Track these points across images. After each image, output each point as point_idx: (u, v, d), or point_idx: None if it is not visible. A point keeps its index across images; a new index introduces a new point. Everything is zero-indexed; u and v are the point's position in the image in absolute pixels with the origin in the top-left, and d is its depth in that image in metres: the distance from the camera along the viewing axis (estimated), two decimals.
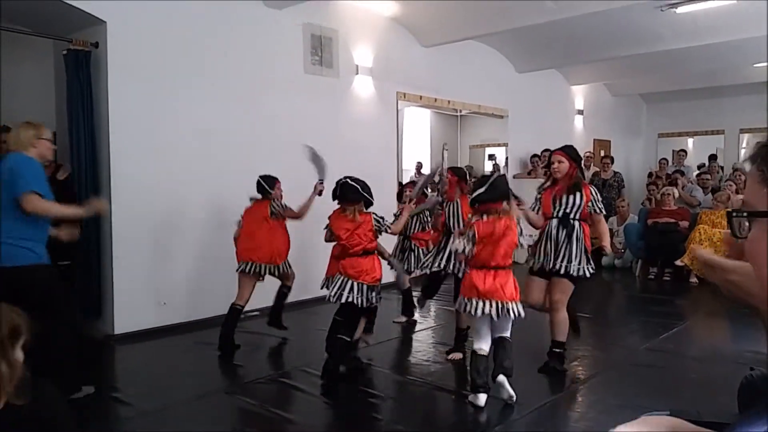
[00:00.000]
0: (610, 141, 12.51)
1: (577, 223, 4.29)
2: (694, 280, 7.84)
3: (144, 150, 5.45)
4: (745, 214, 0.80)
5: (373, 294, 4.18)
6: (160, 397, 3.98)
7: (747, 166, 0.81)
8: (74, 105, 5.24)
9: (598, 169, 10.68)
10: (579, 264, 4.25)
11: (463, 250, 3.75)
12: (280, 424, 3.61)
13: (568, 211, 4.29)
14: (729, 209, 7.71)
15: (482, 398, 3.72)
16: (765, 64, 8.93)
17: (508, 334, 3.85)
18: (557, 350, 4.42)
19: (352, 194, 4.14)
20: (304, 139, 6.65)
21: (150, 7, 5.44)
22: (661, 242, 8.13)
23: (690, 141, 13.18)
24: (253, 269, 4.94)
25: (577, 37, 8.22)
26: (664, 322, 5.77)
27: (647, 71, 10.55)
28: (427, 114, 10.55)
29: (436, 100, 8.49)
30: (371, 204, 4.28)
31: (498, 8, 6.99)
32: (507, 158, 10.11)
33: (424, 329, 5.79)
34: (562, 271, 4.24)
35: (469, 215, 4.04)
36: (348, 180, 4.19)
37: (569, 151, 4.47)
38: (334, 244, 4.48)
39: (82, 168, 5.29)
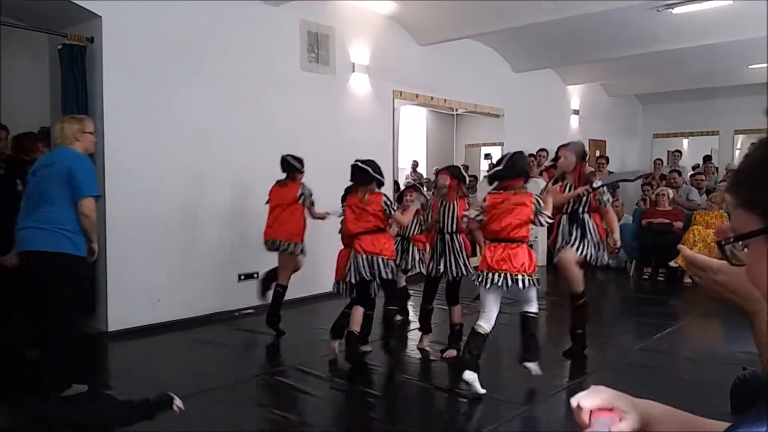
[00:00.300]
0: (605, 141, 12.53)
1: (587, 216, 4.51)
2: (688, 280, 7.85)
3: (138, 146, 5.43)
4: (732, 239, 0.80)
5: (394, 267, 4.41)
6: (153, 394, 3.95)
7: (727, 197, 0.82)
8: (68, 100, 5.21)
9: (593, 169, 10.68)
10: (596, 252, 4.47)
11: (475, 216, 3.89)
12: (277, 423, 3.60)
13: (576, 206, 4.49)
14: (723, 210, 7.76)
15: (469, 375, 3.72)
16: (760, 65, 8.95)
17: (533, 308, 3.96)
18: (579, 330, 4.74)
19: (363, 175, 4.35)
20: (300, 135, 6.67)
21: (145, 2, 5.41)
22: (655, 243, 8.15)
23: (685, 141, 13.22)
24: (277, 246, 5.17)
25: (574, 37, 8.23)
26: (658, 322, 5.79)
27: (643, 72, 10.57)
28: (423, 112, 10.56)
29: (432, 98, 8.48)
30: (383, 184, 4.51)
31: (495, 7, 6.98)
32: (522, 150, 10.08)
33: (419, 328, 5.78)
34: (590, 262, 4.53)
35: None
36: (358, 162, 4.41)
37: (575, 148, 4.76)
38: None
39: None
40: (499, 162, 3.96)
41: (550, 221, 4.03)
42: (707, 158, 11.60)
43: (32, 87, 5.91)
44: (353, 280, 4.39)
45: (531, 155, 9.64)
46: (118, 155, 5.31)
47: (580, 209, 4.51)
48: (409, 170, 10.81)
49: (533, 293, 3.92)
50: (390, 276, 4.38)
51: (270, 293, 5.38)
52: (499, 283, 3.73)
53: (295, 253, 5.24)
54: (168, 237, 5.63)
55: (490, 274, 3.75)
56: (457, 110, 9.76)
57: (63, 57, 5.21)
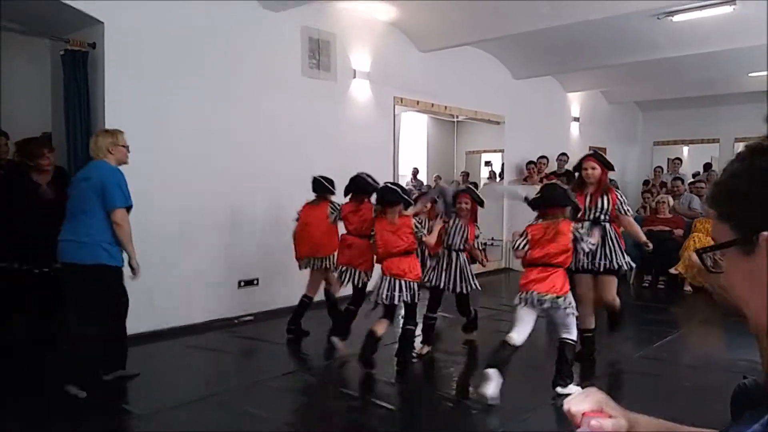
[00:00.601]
0: (605, 148, 12.52)
1: (608, 225, 4.66)
2: (688, 288, 7.85)
3: (140, 151, 5.40)
4: (708, 249, 0.86)
5: (416, 289, 4.53)
6: (152, 401, 3.96)
7: (707, 209, 0.86)
8: (71, 105, 5.22)
9: (614, 179, 10.68)
10: (618, 259, 4.64)
11: (518, 247, 4.08)
12: (277, 430, 3.59)
13: (598, 213, 4.64)
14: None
15: (492, 371, 3.82)
16: (760, 73, 8.97)
17: (572, 335, 4.10)
18: (616, 321, 5.04)
19: (392, 196, 4.49)
20: (302, 141, 6.68)
21: (148, 8, 5.43)
22: (655, 250, 8.12)
23: (685, 149, 13.24)
24: (316, 264, 5.35)
25: (574, 44, 8.25)
26: (659, 330, 5.77)
27: (643, 79, 10.59)
28: (423, 119, 10.57)
29: (433, 105, 8.50)
30: (410, 205, 4.67)
31: (496, 14, 7.01)
32: (503, 164, 10.13)
33: (418, 336, 5.77)
34: (602, 269, 4.65)
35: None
36: (388, 184, 4.66)
37: (601, 158, 4.79)
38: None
39: (79, 169, 5.25)
40: (539, 192, 4.21)
41: (593, 247, 4.16)
42: (708, 166, 11.61)
43: (34, 92, 5.92)
44: (384, 301, 4.49)
45: (531, 162, 9.68)
46: None
47: (602, 217, 4.65)
48: (409, 177, 10.81)
49: (571, 320, 4.06)
50: (410, 299, 4.50)
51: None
52: (528, 301, 3.92)
53: (327, 267, 5.42)
54: (168, 243, 5.62)
55: (529, 294, 3.93)
56: (457, 117, 9.77)
57: (65, 62, 5.22)
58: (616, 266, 4.65)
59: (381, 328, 4.52)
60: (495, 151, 10.44)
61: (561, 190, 4.23)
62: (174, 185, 5.66)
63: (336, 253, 5.23)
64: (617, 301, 4.86)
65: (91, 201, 3.91)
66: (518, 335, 3.94)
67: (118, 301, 4.10)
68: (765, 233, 0.75)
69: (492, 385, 3.78)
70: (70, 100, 5.22)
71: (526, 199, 4.38)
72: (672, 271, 7.84)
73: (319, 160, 6.80)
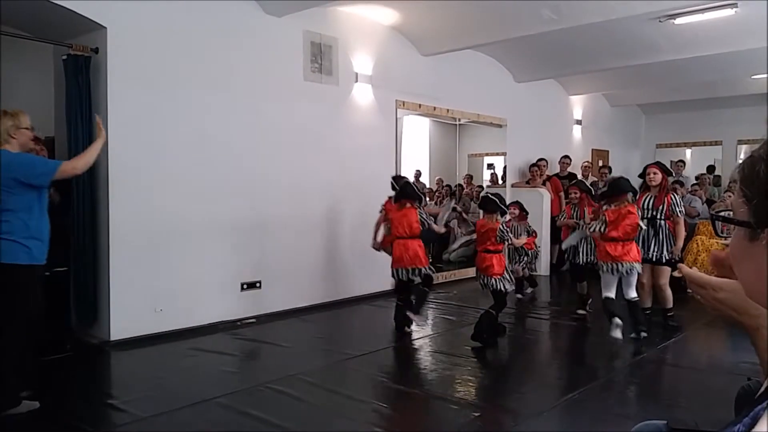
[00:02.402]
0: (608, 151, 12.55)
1: (663, 222, 5.59)
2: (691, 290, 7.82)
3: (142, 156, 5.45)
4: (722, 217, 0.94)
5: (503, 282, 5.40)
6: (155, 404, 3.95)
7: (736, 176, 0.87)
8: (73, 110, 5.24)
9: (596, 179, 10.70)
10: (667, 252, 5.58)
11: (597, 229, 5.27)
12: None
13: (655, 213, 5.58)
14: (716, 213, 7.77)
15: (617, 320, 5.23)
16: (762, 75, 8.97)
17: (634, 293, 5.34)
18: (669, 314, 5.90)
19: (491, 205, 5.41)
20: (304, 145, 6.69)
21: (150, 13, 5.46)
22: None
23: (688, 152, 13.22)
24: (407, 275, 5.74)
25: (576, 47, 8.25)
26: (662, 332, 5.75)
27: (646, 82, 10.59)
28: (426, 122, 10.58)
29: (435, 108, 8.50)
30: (505, 213, 5.63)
31: (497, 18, 7.02)
32: (505, 167, 10.13)
33: (422, 337, 5.78)
34: (659, 259, 5.57)
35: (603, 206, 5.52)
36: (488, 194, 5.58)
37: (661, 166, 5.82)
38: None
39: (80, 173, 5.26)
40: (606, 185, 5.90)
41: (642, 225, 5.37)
42: (711, 168, 11.59)
43: (37, 97, 5.94)
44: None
45: (534, 165, 9.68)
46: (122, 164, 5.33)
47: (658, 215, 5.57)
48: (412, 180, 10.81)
49: (634, 279, 5.28)
50: (499, 287, 5.36)
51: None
52: (621, 271, 5.18)
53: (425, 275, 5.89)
54: (170, 246, 5.63)
55: (614, 264, 5.17)
56: (459, 120, 9.77)
57: (68, 67, 5.24)
58: (668, 257, 5.55)
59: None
60: (497, 154, 10.44)
61: (625, 180, 5.45)
62: (177, 189, 5.67)
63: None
64: (668, 289, 5.79)
65: (6, 198, 3.55)
66: (611, 292, 5.26)
67: (35, 305, 3.77)
68: None
69: (618, 330, 5.17)
70: (72, 105, 5.24)
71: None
72: (675, 273, 7.78)
73: (322, 163, 6.82)
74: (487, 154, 11.02)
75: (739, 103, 11.19)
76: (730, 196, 8.68)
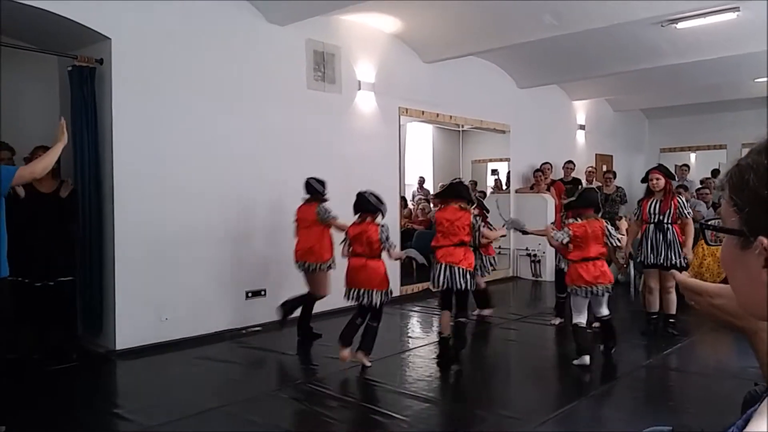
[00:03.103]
0: (612, 156, 12.53)
1: (670, 226, 5.53)
2: None
3: (147, 165, 5.47)
4: (710, 226, 0.93)
5: (469, 277, 4.87)
6: (160, 413, 3.96)
7: (723, 179, 0.87)
8: (78, 121, 5.27)
9: (600, 184, 10.68)
10: (678, 257, 5.53)
11: (561, 241, 4.88)
12: None
13: (662, 217, 5.54)
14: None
15: (587, 358, 4.76)
16: (765, 78, 8.96)
17: (606, 310, 5.01)
18: (671, 321, 5.82)
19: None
20: (308, 153, 6.70)
21: (154, 24, 5.49)
22: None
23: (692, 156, 13.19)
24: (308, 269, 5.48)
25: (578, 52, 8.27)
26: (668, 337, 5.73)
27: (649, 86, 10.58)
28: (429, 129, 10.59)
29: (438, 115, 8.52)
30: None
31: (499, 24, 7.04)
32: (509, 173, 10.13)
33: (426, 345, 5.76)
34: (667, 264, 5.50)
35: (568, 219, 5.14)
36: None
37: (663, 170, 5.77)
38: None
39: (86, 183, 5.31)
40: (572, 196, 5.37)
41: (620, 243, 5.14)
42: (716, 172, 11.56)
43: (42, 108, 5.98)
44: (440, 288, 4.89)
45: (538, 170, 9.67)
46: (127, 174, 5.35)
47: (665, 220, 5.53)
48: (415, 186, 10.83)
49: (605, 298, 4.95)
50: (462, 286, 4.83)
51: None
52: (595, 293, 4.83)
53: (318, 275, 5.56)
54: (175, 255, 5.64)
55: (588, 287, 4.81)
56: (462, 126, 9.79)
57: (73, 78, 5.28)
58: (677, 263, 5.51)
59: (446, 327, 4.95)
60: (501, 159, 10.45)
61: (594, 193, 5.22)
62: (181, 198, 5.69)
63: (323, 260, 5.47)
64: (675, 294, 5.71)
65: None
66: (583, 318, 4.90)
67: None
68: (763, 239, 0.76)
69: (586, 360, 4.75)
70: (77, 116, 5.27)
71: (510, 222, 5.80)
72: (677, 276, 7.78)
73: (325, 171, 6.81)
74: (490, 160, 11.02)
75: (743, 106, 11.17)
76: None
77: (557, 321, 6.44)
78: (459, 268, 4.77)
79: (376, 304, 4.75)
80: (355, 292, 4.78)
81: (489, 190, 10.60)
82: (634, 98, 12.00)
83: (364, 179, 7.23)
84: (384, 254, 4.78)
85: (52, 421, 3.81)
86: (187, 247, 5.71)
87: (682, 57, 7.92)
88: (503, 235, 6.26)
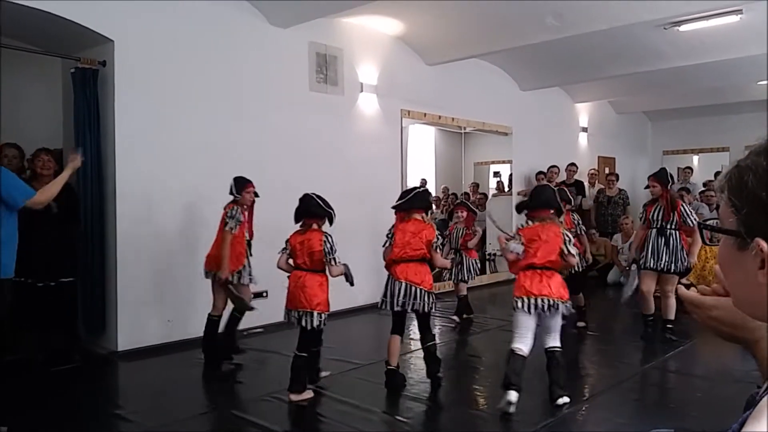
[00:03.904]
0: (614, 158, 12.51)
1: (674, 233, 5.47)
2: None
3: (150, 167, 5.48)
4: (708, 227, 0.94)
5: (433, 299, 4.38)
6: (162, 414, 3.96)
7: (722, 181, 0.87)
8: (81, 122, 5.28)
9: (603, 187, 10.67)
10: (678, 262, 5.45)
11: (518, 252, 4.04)
12: None
13: (665, 223, 5.46)
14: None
15: (513, 395, 3.81)
16: (767, 82, 8.95)
17: (557, 342, 4.06)
18: (669, 326, 5.72)
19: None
20: (310, 155, 6.71)
21: (157, 26, 5.51)
22: None
23: (695, 158, 13.18)
24: (212, 278, 4.96)
25: (581, 55, 8.26)
26: (668, 341, 5.71)
27: (651, 89, 10.58)
28: (431, 131, 10.59)
29: (440, 117, 8.52)
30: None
31: (501, 27, 7.04)
32: (511, 175, 10.12)
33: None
34: (669, 269, 5.46)
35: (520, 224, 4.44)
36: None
37: (660, 176, 5.67)
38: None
39: (88, 184, 5.32)
40: (527, 195, 4.37)
41: (575, 256, 4.10)
42: (718, 175, 11.53)
43: (45, 110, 6.00)
44: (394, 308, 4.34)
45: (541, 172, 9.66)
46: (130, 176, 5.36)
47: (668, 225, 5.45)
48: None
49: (559, 322, 4.05)
50: (426, 309, 4.32)
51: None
52: (543, 309, 3.90)
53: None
54: (178, 256, 5.65)
55: (530, 299, 3.92)
56: (465, 128, 9.78)
57: (76, 80, 5.29)
58: (676, 269, 5.45)
59: (394, 355, 4.44)
60: (503, 162, 10.44)
61: (550, 191, 4.30)
62: (183, 200, 5.69)
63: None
64: (673, 298, 5.63)
65: None
66: (525, 345, 3.95)
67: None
68: (760, 240, 0.76)
69: (510, 404, 3.80)
70: (80, 117, 5.29)
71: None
72: (683, 281, 7.77)
73: (328, 173, 6.83)
74: (492, 162, 11.01)
75: (746, 109, 11.16)
76: None
77: (581, 324, 6.41)
78: (420, 290, 4.29)
79: (313, 328, 4.15)
80: (295, 315, 4.20)
81: (491, 193, 10.59)
82: (636, 100, 11.99)
83: (366, 181, 7.25)
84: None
85: (54, 423, 3.82)
86: (189, 248, 5.70)
87: (685, 59, 7.92)
88: (446, 267, 5.47)
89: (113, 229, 5.35)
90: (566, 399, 3.98)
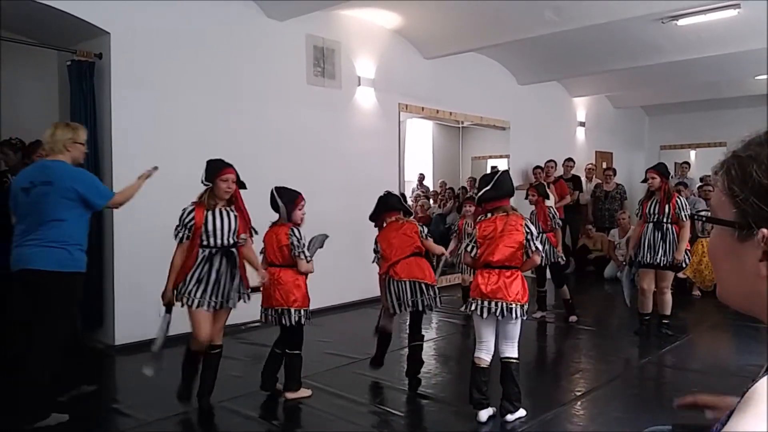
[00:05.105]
0: (612, 153, 12.52)
1: (670, 226, 5.41)
2: (696, 293, 7.80)
3: (146, 160, 5.41)
4: (704, 218, 0.89)
5: (437, 294, 4.32)
6: (159, 408, 3.96)
7: (717, 172, 0.85)
8: (77, 115, 5.25)
9: (600, 181, 10.68)
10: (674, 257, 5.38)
11: (465, 250, 3.77)
12: None
13: (661, 217, 5.43)
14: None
15: (484, 414, 3.67)
16: (765, 76, 8.95)
17: (515, 352, 3.71)
18: (665, 321, 5.70)
19: (385, 206, 4.40)
20: (306, 149, 6.69)
21: (153, 18, 5.48)
22: None
23: (692, 153, 13.19)
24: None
25: (579, 49, 8.25)
26: (663, 337, 5.72)
27: (649, 83, 10.57)
28: (429, 125, 10.57)
29: (438, 111, 8.51)
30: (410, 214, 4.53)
31: (499, 20, 7.02)
32: (509, 169, 10.11)
33: (427, 341, 5.76)
34: (665, 264, 5.41)
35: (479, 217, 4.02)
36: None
37: (660, 169, 5.63)
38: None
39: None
40: (486, 182, 3.74)
41: (540, 254, 3.76)
42: None
43: (41, 102, 5.96)
44: (408, 310, 4.27)
45: (538, 167, 9.66)
46: (126, 169, 5.32)
47: (664, 219, 5.42)
48: (415, 183, 10.81)
49: (518, 329, 3.71)
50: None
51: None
52: (496, 313, 3.58)
53: None
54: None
55: (485, 302, 3.60)
56: (462, 123, 9.77)
57: (72, 72, 5.27)
58: (671, 262, 5.40)
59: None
60: (501, 156, 10.43)
61: (509, 179, 3.85)
62: (180, 193, 5.65)
63: None
64: (669, 294, 5.68)
65: (62, 208, 3.59)
66: (486, 354, 3.70)
67: (76, 308, 3.96)
68: (765, 230, 0.76)
69: (482, 414, 3.67)
70: (76, 110, 5.26)
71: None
72: (680, 275, 7.79)
73: (325, 167, 6.82)
74: (490, 157, 11.00)
75: (743, 103, 11.16)
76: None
77: (539, 314, 6.53)
78: (426, 284, 4.19)
79: (293, 324, 4.03)
80: (272, 313, 4.07)
81: None
82: (634, 95, 11.99)
83: (364, 175, 7.24)
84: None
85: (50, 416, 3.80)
86: None
87: (683, 54, 7.91)
88: (443, 254, 5.07)
89: (110, 223, 5.33)
90: (520, 413, 3.69)
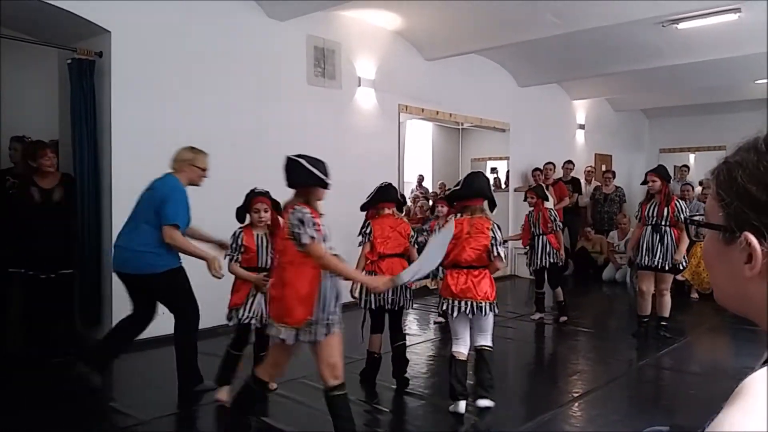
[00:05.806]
0: (611, 156, 12.53)
1: (668, 229, 5.38)
2: (695, 295, 7.81)
3: (146, 159, 5.44)
4: (695, 222, 0.94)
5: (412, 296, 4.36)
6: (157, 407, 3.96)
7: (710, 178, 0.88)
8: (77, 114, 5.26)
9: (599, 184, 10.68)
10: (672, 259, 5.34)
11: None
12: None
13: (660, 220, 5.40)
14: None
15: (462, 405, 3.72)
16: (765, 80, 8.96)
17: (489, 341, 3.83)
18: (664, 324, 5.67)
19: (385, 195, 4.38)
20: (307, 149, 6.65)
21: (154, 17, 5.48)
22: None
23: (692, 156, 13.21)
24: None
25: (579, 52, 8.26)
26: (662, 339, 5.72)
27: (649, 87, 10.59)
28: (429, 126, 10.59)
29: (438, 113, 8.51)
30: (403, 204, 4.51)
31: (500, 22, 7.03)
32: (508, 171, 10.12)
33: (422, 342, 5.77)
34: (663, 266, 5.39)
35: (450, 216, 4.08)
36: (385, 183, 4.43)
37: (661, 171, 5.59)
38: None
39: (85, 176, 5.30)
40: (458, 183, 3.93)
41: (503, 260, 3.83)
42: None
43: (41, 100, 5.97)
44: (385, 306, 4.26)
45: (537, 169, 9.67)
46: (126, 168, 5.34)
47: (663, 222, 5.40)
48: (414, 184, 10.82)
49: (491, 322, 3.84)
50: (406, 305, 4.26)
51: None
52: (467, 311, 3.70)
53: None
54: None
55: (455, 302, 3.71)
56: (462, 124, 9.78)
57: (72, 71, 5.27)
58: (670, 266, 5.39)
59: (377, 346, 4.42)
60: (500, 158, 10.45)
61: (483, 178, 3.99)
62: None
63: None
64: (668, 296, 5.66)
65: (149, 212, 3.96)
66: (463, 347, 3.80)
67: (189, 296, 4.29)
68: (748, 234, 0.78)
69: (460, 405, 3.73)
70: (76, 108, 5.26)
71: None
72: (678, 278, 7.79)
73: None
74: (490, 159, 11.02)
75: (743, 108, 11.18)
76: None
77: (537, 316, 6.56)
78: (405, 286, 4.14)
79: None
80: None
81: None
82: (634, 98, 12.01)
83: (363, 176, 7.22)
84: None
85: (48, 415, 3.81)
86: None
87: (683, 57, 7.93)
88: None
89: (109, 222, 5.33)
90: (489, 403, 3.76)
